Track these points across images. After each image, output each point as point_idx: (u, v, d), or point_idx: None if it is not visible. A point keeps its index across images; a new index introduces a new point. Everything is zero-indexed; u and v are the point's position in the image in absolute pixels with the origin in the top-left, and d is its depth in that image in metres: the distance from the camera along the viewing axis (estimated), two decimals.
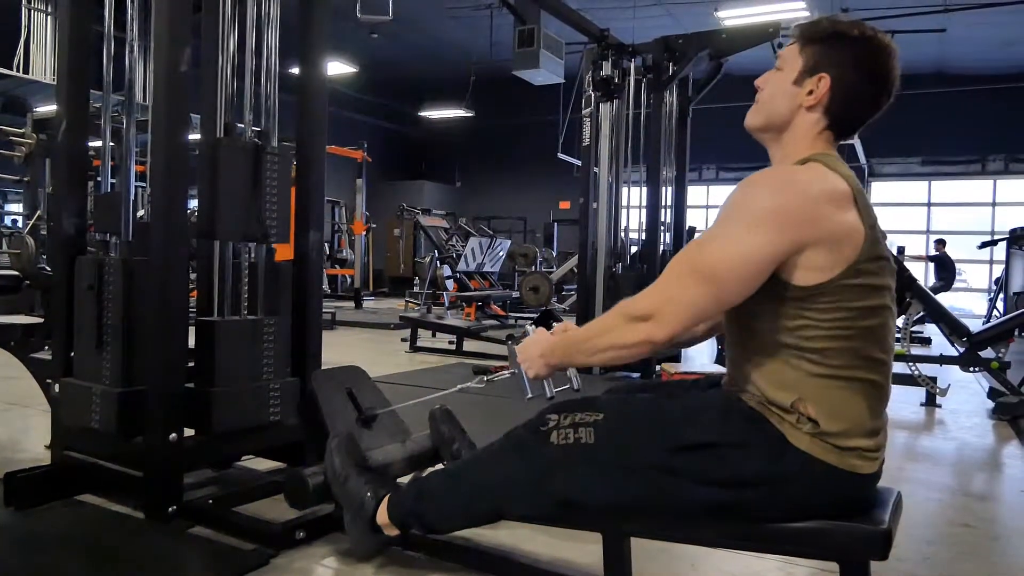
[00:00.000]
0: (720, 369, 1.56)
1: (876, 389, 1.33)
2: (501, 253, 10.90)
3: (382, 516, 1.71)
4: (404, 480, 1.83)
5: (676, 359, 5.91)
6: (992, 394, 4.47)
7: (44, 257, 6.65)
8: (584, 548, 1.94)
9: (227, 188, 2.20)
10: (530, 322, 1.62)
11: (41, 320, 2.72)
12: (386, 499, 1.72)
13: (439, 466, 1.99)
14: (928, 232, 15.95)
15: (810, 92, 1.37)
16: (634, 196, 5.85)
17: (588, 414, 1.43)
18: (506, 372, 1.66)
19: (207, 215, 2.21)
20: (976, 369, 4.57)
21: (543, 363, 1.49)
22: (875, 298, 1.29)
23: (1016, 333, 4.65)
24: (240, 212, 2.23)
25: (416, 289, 11.58)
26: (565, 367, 1.51)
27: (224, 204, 2.20)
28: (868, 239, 1.27)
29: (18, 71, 7.93)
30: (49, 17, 7.88)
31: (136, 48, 2.33)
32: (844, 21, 1.38)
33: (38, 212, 7.90)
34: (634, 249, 5.90)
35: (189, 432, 2.19)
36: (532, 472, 1.46)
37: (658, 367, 5.32)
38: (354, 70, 14.38)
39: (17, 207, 11.21)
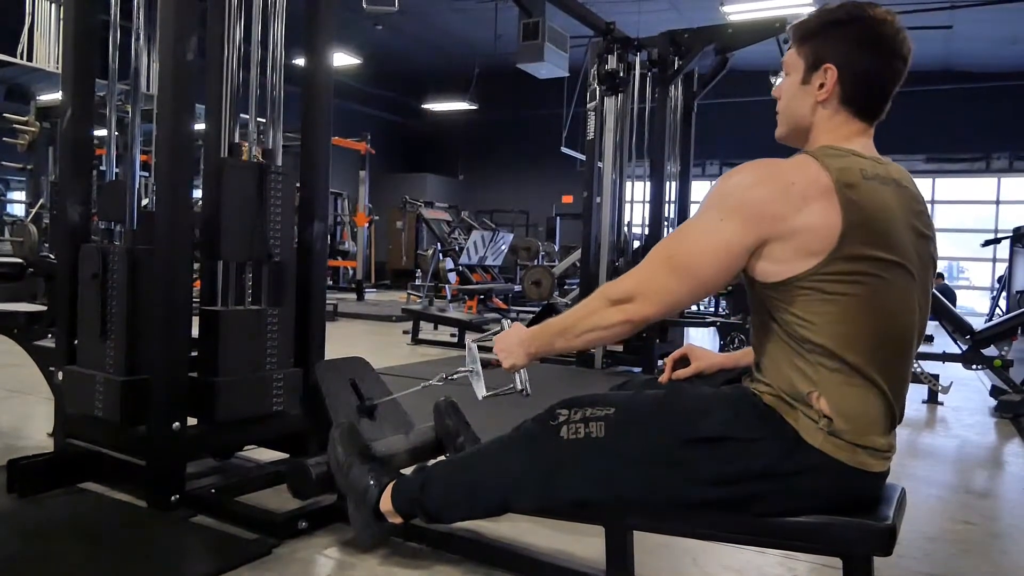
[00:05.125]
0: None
1: (893, 389, 1.31)
2: (503, 246, 10.90)
3: (386, 504, 1.72)
4: (408, 471, 1.83)
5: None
6: (994, 392, 4.46)
7: (46, 245, 6.65)
8: (586, 541, 1.94)
9: (231, 208, 2.20)
10: (504, 317, 1.65)
11: (44, 308, 2.72)
12: (390, 487, 1.73)
13: (442, 458, 2.00)
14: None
15: (820, 86, 1.35)
16: (638, 191, 5.83)
17: (599, 408, 1.43)
18: (464, 370, 1.69)
19: (211, 235, 2.21)
20: (979, 367, 4.57)
21: (523, 352, 1.50)
22: (875, 294, 1.25)
23: (1019, 331, 4.63)
24: (244, 232, 2.23)
25: (418, 282, 11.58)
26: (546, 353, 1.52)
27: (228, 224, 2.20)
28: (847, 234, 1.22)
29: (22, 59, 7.91)
30: (53, 5, 7.86)
31: (142, 37, 2.33)
32: (832, 8, 1.37)
33: (41, 200, 7.91)
34: (637, 244, 5.89)
35: (192, 421, 2.19)
36: (540, 466, 1.46)
37: (660, 362, 5.33)
38: (358, 61, 14.35)
39: (20, 195, 11.21)
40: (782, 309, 1.30)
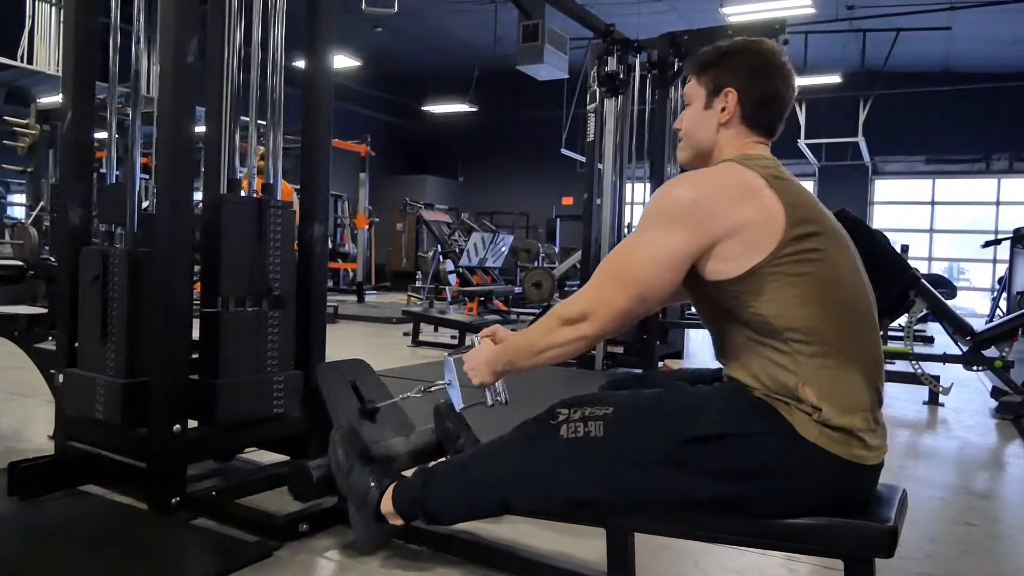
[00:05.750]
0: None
1: (869, 362, 1.36)
2: (503, 248, 10.89)
3: (386, 506, 1.72)
4: (408, 473, 1.83)
5: (679, 355, 5.91)
6: (995, 393, 4.46)
7: (47, 248, 6.66)
8: (587, 543, 1.94)
9: (230, 244, 2.21)
10: (476, 334, 1.71)
11: (45, 310, 2.72)
12: (390, 489, 1.73)
13: (442, 460, 1.99)
14: (932, 231, 15.94)
15: (723, 109, 1.49)
16: (638, 192, 5.84)
17: (598, 408, 1.44)
18: (442, 383, 1.76)
19: (211, 272, 2.21)
20: (979, 368, 4.56)
21: (488, 370, 1.57)
22: (826, 268, 1.34)
23: (1019, 332, 4.63)
24: (243, 269, 2.23)
25: (418, 284, 11.59)
26: (510, 371, 1.58)
27: (228, 261, 2.20)
28: (790, 217, 1.33)
29: (22, 62, 7.92)
30: (53, 7, 7.87)
31: (142, 39, 2.33)
32: (727, 41, 1.54)
33: (41, 203, 7.92)
34: None
35: (193, 424, 2.19)
36: (541, 466, 1.47)
37: (661, 363, 5.33)
38: (358, 64, 14.36)
39: (21, 198, 11.21)
40: (749, 305, 1.34)
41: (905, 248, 11.15)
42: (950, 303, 4.81)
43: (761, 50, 1.50)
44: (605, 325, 1.41)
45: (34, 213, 7.97)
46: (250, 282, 2.25)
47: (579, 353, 1.52)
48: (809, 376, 1.31)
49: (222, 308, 2.21)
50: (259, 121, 2.41)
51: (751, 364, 1.37)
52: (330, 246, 13.19)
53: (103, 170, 2.49)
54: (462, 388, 1.75)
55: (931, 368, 4.66)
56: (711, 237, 1.34)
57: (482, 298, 9.56)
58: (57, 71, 7.36)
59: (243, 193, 2.38)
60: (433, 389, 1.83)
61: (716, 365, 1.60)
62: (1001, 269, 12.18)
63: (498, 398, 1.65)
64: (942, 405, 4.45)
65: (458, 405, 1.72)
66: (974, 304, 14.86)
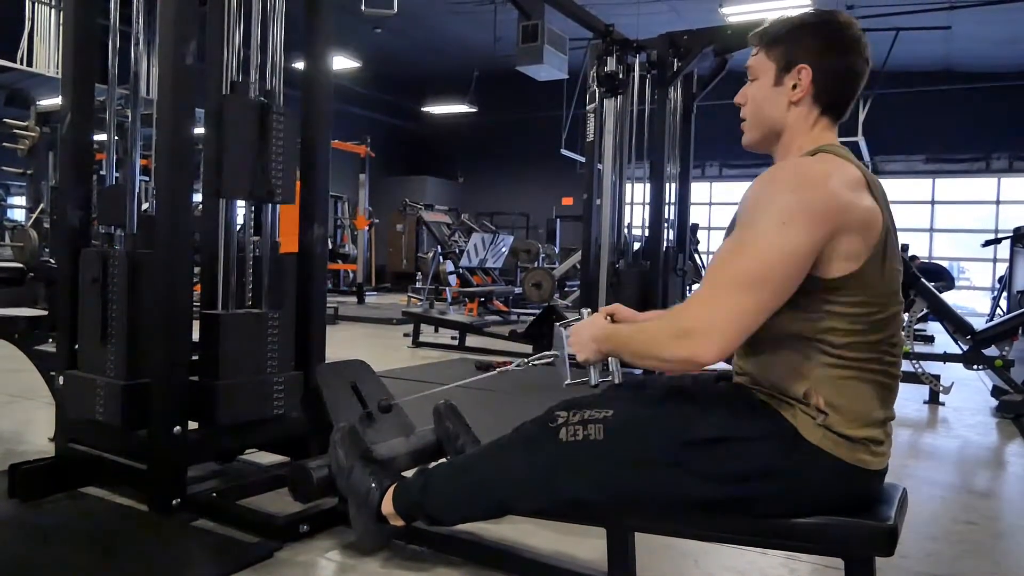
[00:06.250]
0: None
1: (888, 380, 1.33)
2: (504, 249, 10.89)
3: (387, 506, 1.72)
4: (408, 474, 1.83)
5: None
6: (995, 392, 4.46)
7: (47, 250, 6.66)
8: (588, 543, 1.94)
9: (233, 144, 2.17)
10: (585, 307, 1.60)
11: (45, 313, 2.72)
12: (391, 490, 1.73)
13: (442, 461, 2.00)
14: (932, 230, 15.92)
15: (794, 86, 1.38)
16: (637, 193, 5.84)
17: (597, 411, 1.43)
18: (549, 355, 1.63)
19: (213, 172, 2.18)
20: (980, 367, 4.56)
21: (595, 348, 1.44)
22: (895, 283, 1.31)
23: (1020, 331, 4.62)
24: (246, 169, 2.20)
25: (418, 284, 11.58)
26: (615, 356, 1.46)
27: (230, 160, 2.17)
28: (886, 222, 1.30)
29: (22, 64, 7.92)
30: (53, 10, 7.88)
31: (141, 41, 2.33)
32: (799, 15, 1.42)
33: (41, 205, 7.91)
34: (637, 246, 5.89)
35: (193, 425, 2.19)
36: (540, 469, 1.46)
37: None
38: (357, 65, 14.36)
39: (21, 200, 11.21)
40: (813, 309, 1.27)
41: (905, 247, 11.15)
42: (950, 302, 4.81)
43: (837, 22, 1.38)
44: (720, 346, 1.24)
45: (34, 215, 7.95)
46: (252, 181, 2.22)
47: (685, 373, 1.37)
48: (823, 385, 1.28)
49: (222, 309, 2.21)
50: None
51: (777, 357, 1.33)
52: (330, 247, 13.22)
53: (103, 172, 2.49)
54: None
55: (931, 367, 4.65)
56: (834, 227, 1.24)
57: (482, 299, 9.55)
58: (57, 73, 7.36)
59: None
60: (539, 362, 1.69)
61: (715, 366, 1.56)
62: (1001, 268, 12.18)
63: (608, 378, 1.50)
64: (943, 404, 4.45)
65: (564, 380, 1.56)
66: (974, 303, 14.85)
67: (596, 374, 1.50)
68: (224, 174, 2.16)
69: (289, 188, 2.32)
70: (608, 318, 1.52)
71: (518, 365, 1.76)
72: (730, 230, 1.40)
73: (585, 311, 1.56)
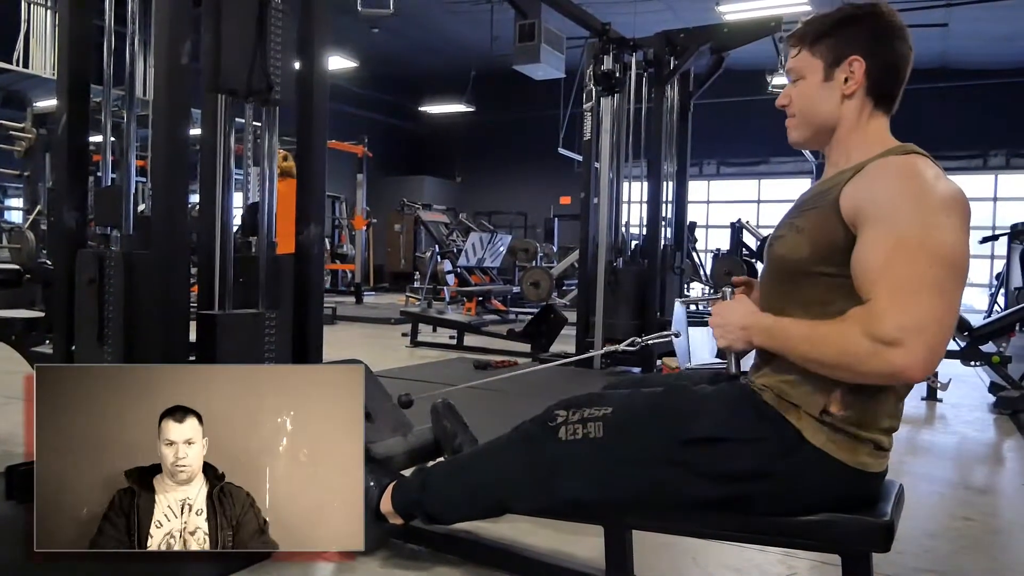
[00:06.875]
0: (720, 363, 1.52)
1: (903, 390, 1.32)
2: (502, 248, 10.90)
3: (386, 505, 1.72)
4: (407, 472, 1.83)
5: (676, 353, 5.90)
6: (993, 388, 4.47)
7: (44, 251, 6.64)
8: (586, 541, 1.94)
9: (230, 36, 2.13)
10: (729, 287, 1.46)
11: (42, 314, 2.72)
12: (389, 488, 1.73)
13: (441, 459, 2.00)
14: None
15: (846, 79, 1.36)
16: (635, 191, 5.84)
17: (596, 409, 1.43)
18: (669, 334, 1.52)
19: (210, 67, 2.14)
20: (977, 363, 4.57)
21: (743, 336, 1.33)
22: None
23: (1017, 327, 4.64)
24: (244, 63, 2.15)
25: (417, 284, 11.58)
26: (771, 351, 1.32)
27: (227, 53, 2.13)
28: None
29: (18, 65, 7.92)
30: (49, 11, 7.87)
31: (137, 42, 2.32)
32: (839, 8, 1.39)
33: (38, 207, 7.91)
34: (635, 244, 5.89)
35: None
36: (539, 467, 1.46)
37: (659, 361, 5.32)
38: (354, 65, 14.34)
39: (18, 202, 11.20)
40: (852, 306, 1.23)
41: None
42: None
43: (881, 12, 1.36)
44: (931, 356, 1.15)
45: (31, 217, 7.96)
46: (250, 78, 2.18)
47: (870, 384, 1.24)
48: (846, 388, 1.26)
49: (219, 309, 2.21)
50: (255, 123, 2.40)
51: (792, 367, 1.29)
52: (328, 247, 13.22)
53: (99, 173, 2.49)
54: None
55: None
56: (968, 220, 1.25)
57: (480, 298, 9.55)
58: (53, 74, 7.35)
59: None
60: (651, 341, 1.59)
61: (716, 365, 1.56)
62: (999, 265, 12.20)
63: (731, 369, 1.39)
64: (940, 401, 4.46)
65: (684, 362, 1.46)
66: (972, 300, 14.87)
67: (735, 362, 1.38)
68: (222, 68, 2.11)
69: (286, 88, 2.26)
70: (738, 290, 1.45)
71: (629, 345, 1.64)
72: (770, 241, 1.38)
73: (728, 291, 1.43)
